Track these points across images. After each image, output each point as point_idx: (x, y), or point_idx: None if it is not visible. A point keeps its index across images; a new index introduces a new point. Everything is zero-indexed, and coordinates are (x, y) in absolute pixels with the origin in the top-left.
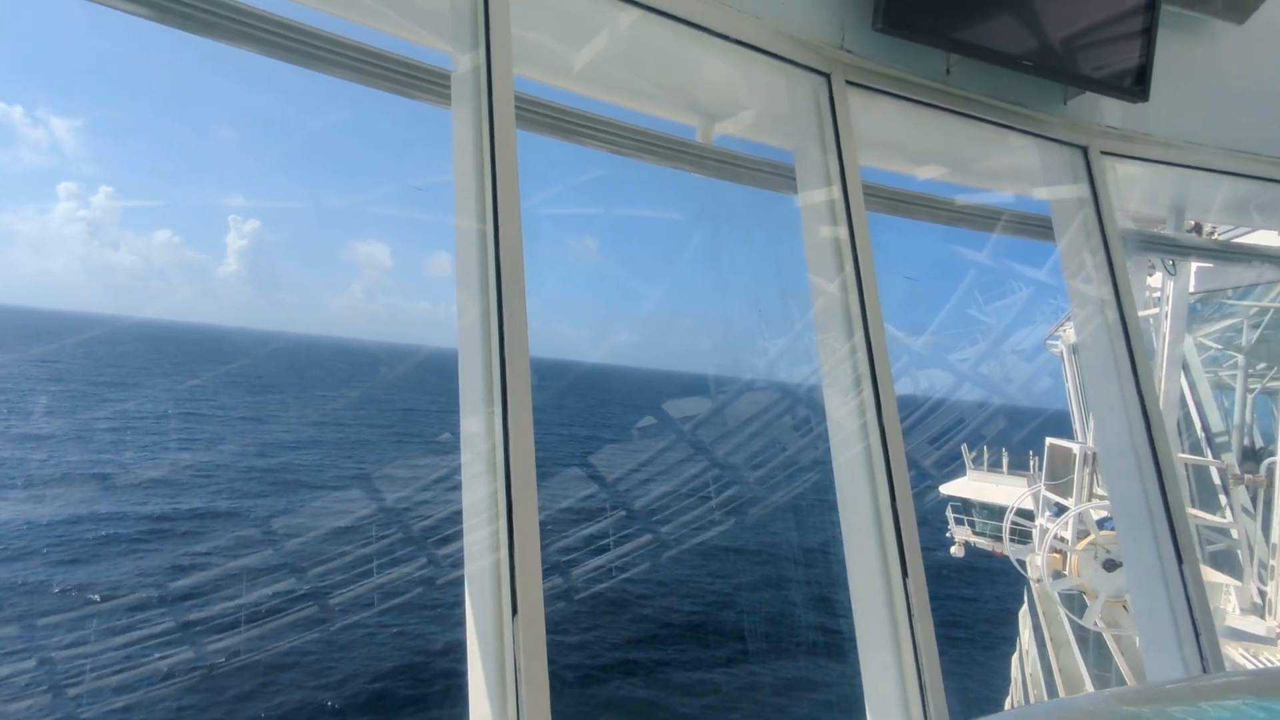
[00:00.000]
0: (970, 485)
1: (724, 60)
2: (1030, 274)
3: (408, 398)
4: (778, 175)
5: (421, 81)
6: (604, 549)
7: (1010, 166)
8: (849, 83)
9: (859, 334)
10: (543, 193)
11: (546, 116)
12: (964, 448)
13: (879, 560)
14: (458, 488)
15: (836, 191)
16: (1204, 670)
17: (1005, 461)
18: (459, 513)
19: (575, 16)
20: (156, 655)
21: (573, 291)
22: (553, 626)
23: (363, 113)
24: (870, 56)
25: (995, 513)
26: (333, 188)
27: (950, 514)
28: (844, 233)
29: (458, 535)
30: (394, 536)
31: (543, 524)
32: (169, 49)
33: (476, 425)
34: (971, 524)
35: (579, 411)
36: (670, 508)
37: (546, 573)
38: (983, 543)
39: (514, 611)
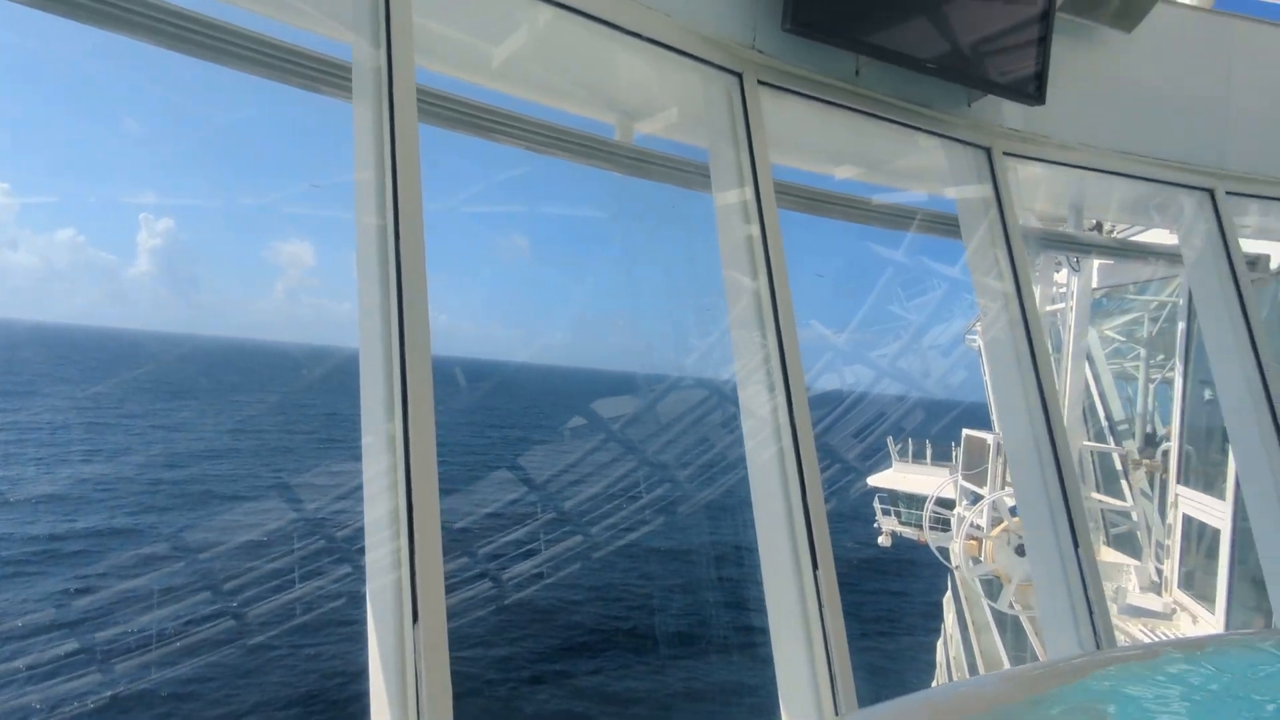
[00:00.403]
0: (896, 477)
1: (640, 59)
2: (946, 271)
3: (331, 401)
4: (695, 174)
5: (326, 75)
6: (533, 554)
7: (921, 167)
8: (761, 82)
9: (772, 331)
10: (466, 190)
11: (464, 114)
12: (890, 440)
13: (790, 554)
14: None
15: (749, 190)
16: (1098, 646)
17: (929, 453)
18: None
19: (493, 13)
20: (34, 690)
21: (504, 291)
22: (477, 639)
23: (273, 107)
24: (781, 57)
25: (920, 503)
26: (248, 186)
27: (878, 505)
28: (757, 231)
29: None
30: (311, 548)
31: (469, 530)
32: (64, 39)
33: (378, 433)
34: (898, 514)
35: (511, 413)
36: (600, 509)
37: (471, 581)
38: (909, 532)
39: (415, 619)
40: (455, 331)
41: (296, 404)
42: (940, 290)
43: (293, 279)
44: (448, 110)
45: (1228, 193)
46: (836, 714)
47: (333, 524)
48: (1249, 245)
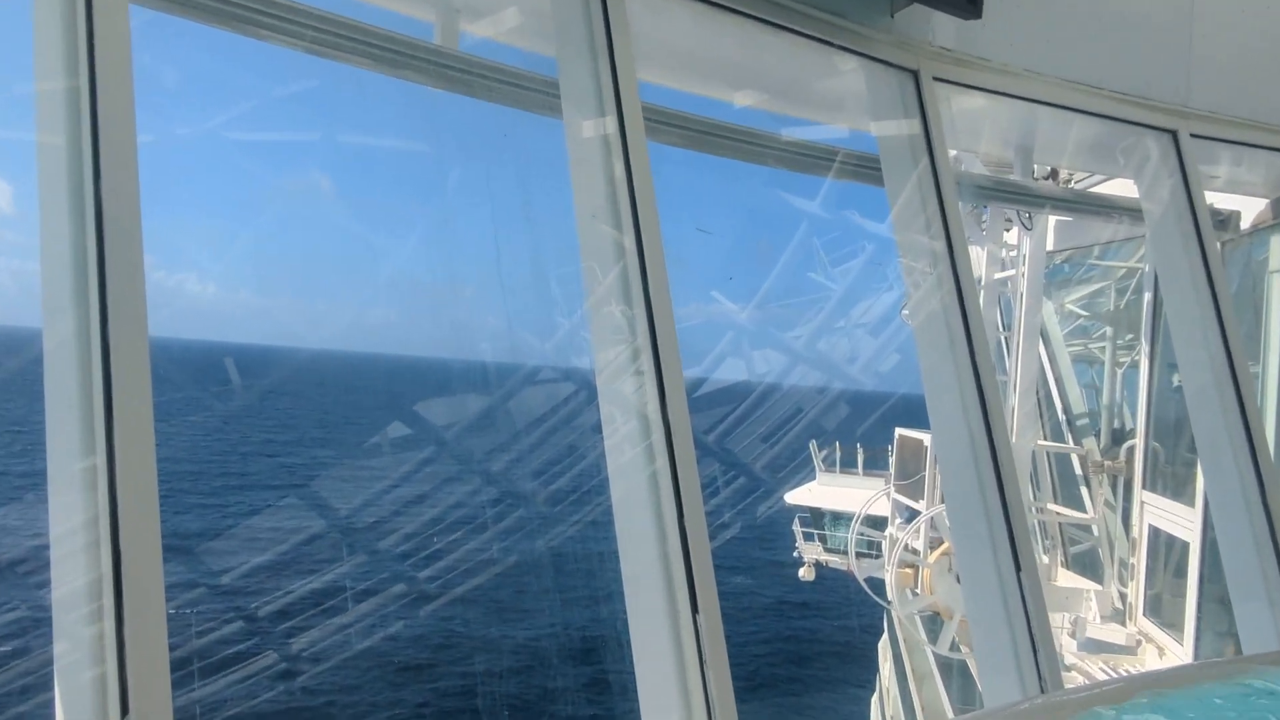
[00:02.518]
0: (821, 491)
1: None
2: (876, 229)
3: (24, 404)
4: (542, 92)
5: None
6: (312, 646)
7: (838, 93)
8: None
9: (640, 303)
10: (233, 109)
11: (225, 3)
12: (813, 445)
13: (664, 594)
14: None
15: (612, 119)
16: (1042, 691)
17: (860, 459)
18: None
19: None
20: None
21: (297, 251)
22: None
23: None
24: None
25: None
26: None
27: (798, 528)
28: (621, 170)
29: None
30: None
31: (202, 611)
32: None
33: (70, 468)
34: (823, 539)
35: (304, 419)
36: (426, 549)
37: (211, 675)
38: (837, 560)
39: (124, 711)
40: (227, 307)
41: None
42: (868, 252)
43: None
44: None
45: (1192, 135)
46: None
47: None
48: (1218, 199)
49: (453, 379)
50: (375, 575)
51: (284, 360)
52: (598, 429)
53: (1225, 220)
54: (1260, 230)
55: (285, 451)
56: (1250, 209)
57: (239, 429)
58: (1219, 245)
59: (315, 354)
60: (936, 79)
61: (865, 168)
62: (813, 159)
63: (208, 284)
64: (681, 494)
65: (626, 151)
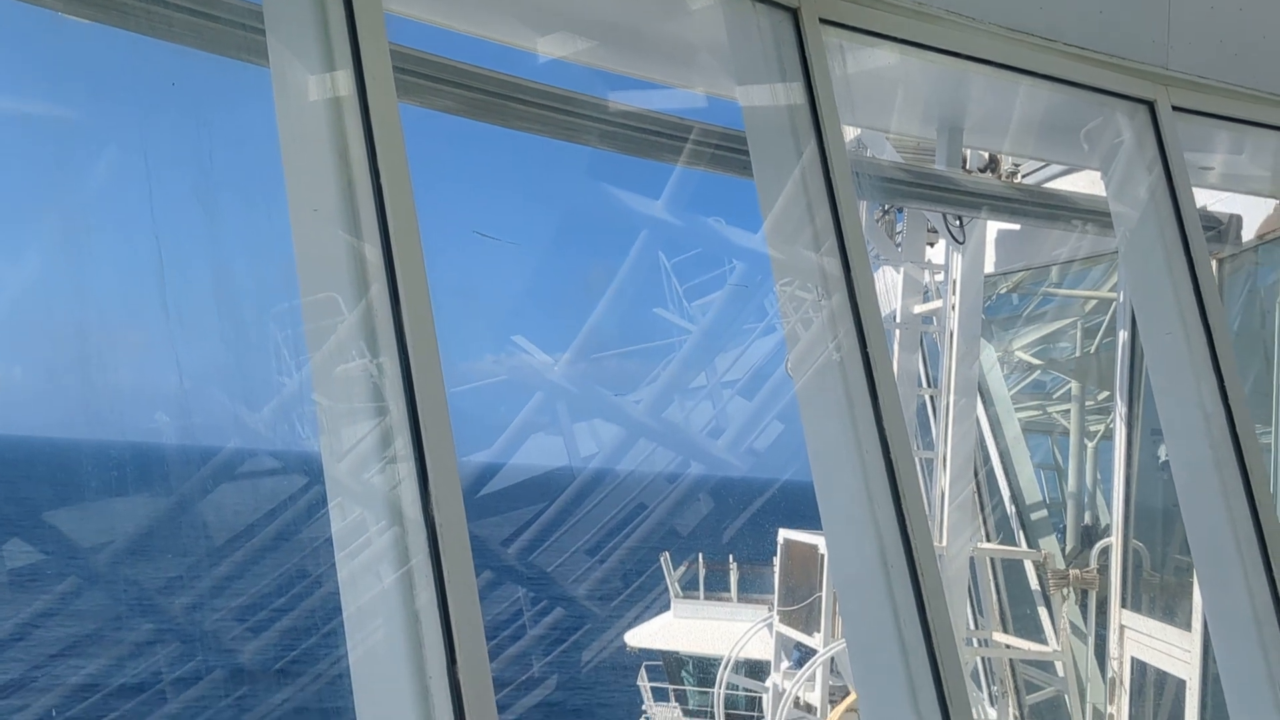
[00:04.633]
0: (678, 626)
1: None
2: (744, 241)
3: None
4: (234, 25)
5: None
6: None
7: (687, 41)
8: None
9: (391, 351)
10: None
11: None
12: (665, 560)
13: None
14: None
15: (346, 71)
16: None
17: (732, 578)
18: None
19: None
20: None
21: None
22: None
23: None
24: None
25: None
26: None
27: (646, 682)
28: (359, 145)
29: None
30: None
31: None
32: None
33: None
34: (682, 696)
35: None
36: None
37: None
38: None
39: None
40: None
41: None
42: (737, 275)
43: None
44: None
45: (1175, 108)
46: None
47: None
48: (1213, 200)
49: (101, 472)
50: None
51: None
52: (332, 545)
53: (1223, 229)
54: (1269, 243)
55: None
56: (1255, 213)
57: None
58: (1215, 263)
59: None
60: (825, 20)
61: (729, 151)
62: (654, 138)
63: None
64: (456, 644)
65: (368, 118)
